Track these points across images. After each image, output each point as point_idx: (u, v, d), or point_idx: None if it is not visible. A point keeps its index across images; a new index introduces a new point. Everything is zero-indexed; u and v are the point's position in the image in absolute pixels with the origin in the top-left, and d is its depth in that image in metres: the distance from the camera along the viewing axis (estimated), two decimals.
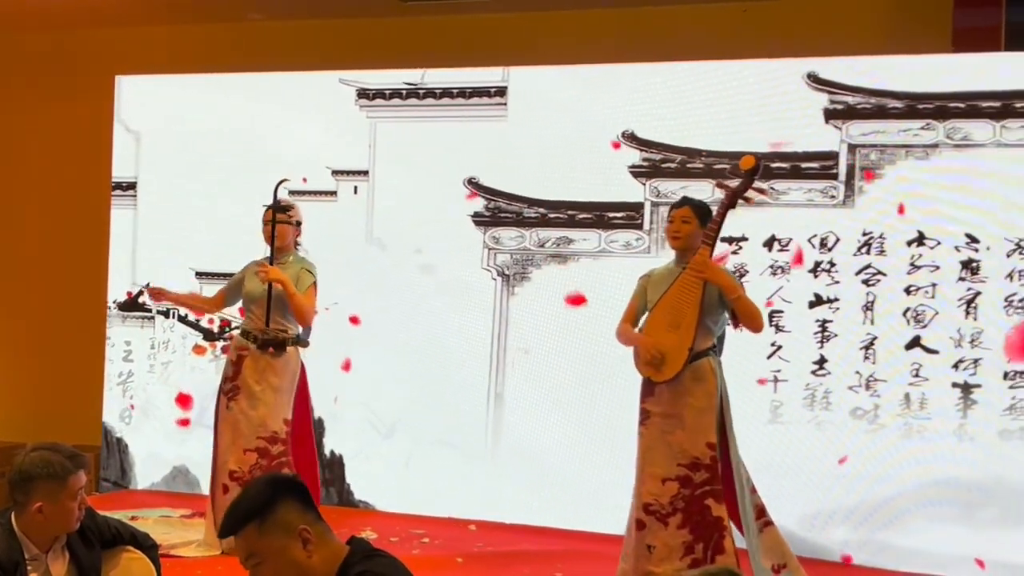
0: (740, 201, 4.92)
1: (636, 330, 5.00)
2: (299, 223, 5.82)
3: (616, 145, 6.40)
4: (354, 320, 6.92)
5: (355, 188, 7.10)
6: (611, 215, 6.46)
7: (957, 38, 6.17)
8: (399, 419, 6.89)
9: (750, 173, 4.86)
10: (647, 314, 4.97)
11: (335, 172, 7.10)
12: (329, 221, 6.93)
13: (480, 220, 6.72)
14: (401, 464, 6.85)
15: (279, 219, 5.67)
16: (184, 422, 7.30)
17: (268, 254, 5.70)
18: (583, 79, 6.63)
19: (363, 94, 7.07)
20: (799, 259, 6.00)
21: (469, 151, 6.81)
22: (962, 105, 5.82)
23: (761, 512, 4.91)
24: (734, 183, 4.93)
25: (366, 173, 7.06)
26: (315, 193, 7.08)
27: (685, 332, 4.77)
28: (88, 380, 7.68)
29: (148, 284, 6.37)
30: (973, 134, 5.81)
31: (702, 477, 4.77)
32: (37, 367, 8.30)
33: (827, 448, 5.97)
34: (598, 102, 6.54)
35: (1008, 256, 5.73)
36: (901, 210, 5.89)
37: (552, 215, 6.59)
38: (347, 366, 6.94)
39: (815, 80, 6.08)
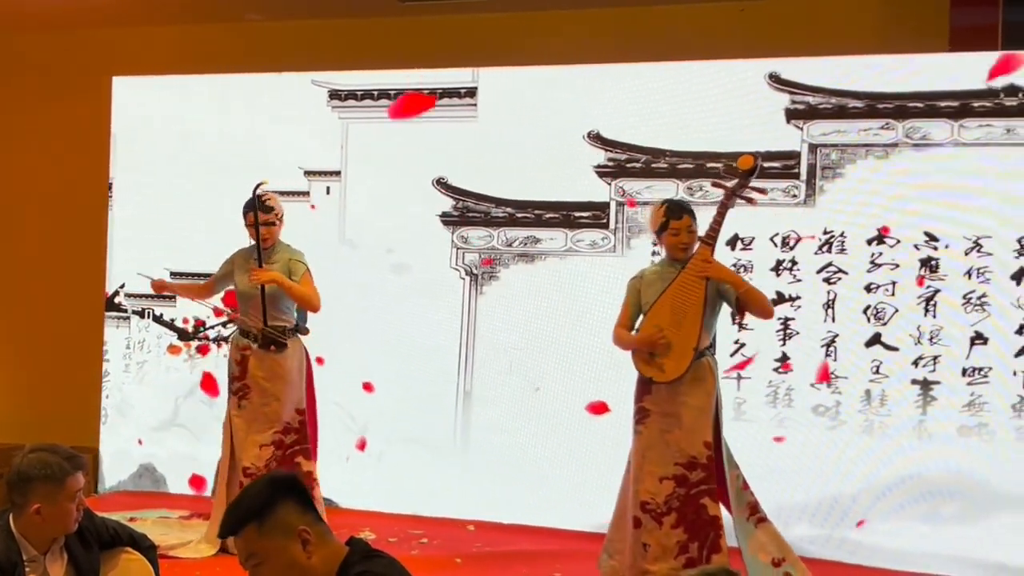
0: (741, 201, 4.93)
1: (632, 333, 4.99)
2: (281, 216, 5.83)
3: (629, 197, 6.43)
4: (368, 387, 6.91)
5: (327, 188, 7.16)
6: (577, 214, 6.52)
7: (954, 37, 6.19)
8: (371, 418, 6.94)
9: (748, 173, 4.87)
10: (643, 315, 4.96)
11: (308, 173, 7.15)
12: (302, 221, 7.00)
13: (448, 220, 6.78)
14: (372, 462, 6.90)
15: (264, 220, 5.69)
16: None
17: (253, 244, 5.73)
18: (552, 80, 6.68)
19: (335, 95, 7.13)
20: (825, 376, 6.01)
21: (439, 151, 6.86)
22: (921, 105, 5.88)
23: (754, 509, 4.92)
24: (731, 183, 4.93)
25: (338, 174, 7.11)
26: (288, 193, 7.13)
27: (689, 331, 4.78)
28: (85, 381, 7.69)
29: (152, 279, 6.46)
30: (932, 133, 5.87)
31: (698, 476, 4.78)
32: (35, 368, 8.31)
33: (790, 444, 6.03)
34: (566, 103, 6.59)
35: (966, 254, 5.79)
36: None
37: (519, 215, 6.65)
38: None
39: (776, 80, 6.14)
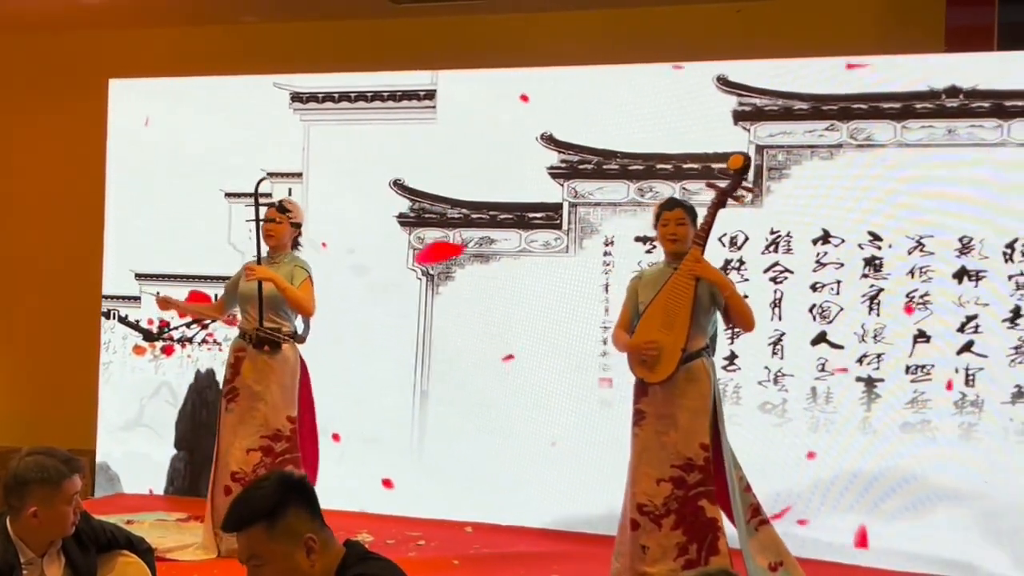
0: (730, 200, 4.94)
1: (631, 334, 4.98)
2: (297, 224, 5.80)
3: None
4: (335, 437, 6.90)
5: (289, 190, 7.23)
6: (531, 215, 6.61)
7: (950, 38, 6.22)
8: (331, 418, 7.00)
9: (740, 172, 4.87)
10: (639, 316, 4.96)
11: (270, 174, 7.22)
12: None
13: (405, 221, 6.86)
14: (333, 461, 6.96)
15: (277, 218, 5.69)
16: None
17: (265, 253, 5.73)
18: (508, 82, 6.77)
19: (296, 98, 7.21)
20: (864, 541, 5.94)
21: (399, 153, 6.95)
22: (864, 106, 5.98)
23: (756, 511, 4.92)
24: (723, 183, 4.93)
25: (300, 175, 7.19)
26: (244, 195, 7.24)
27: (678, 332, 4.77)
28: (83, 384, 7.67)
29: (158, 293, 6.45)
30: (875, 135, 5.97)
31: (696, 478, 4.78)
32: (32, 371, 8.32)
33: (736, 441, 6.07)
34: (521, 105, 6.68)
35: (909, 253, 5.89)
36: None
37: (474, 216, 6.73)
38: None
39: (724, 83, 6.23)
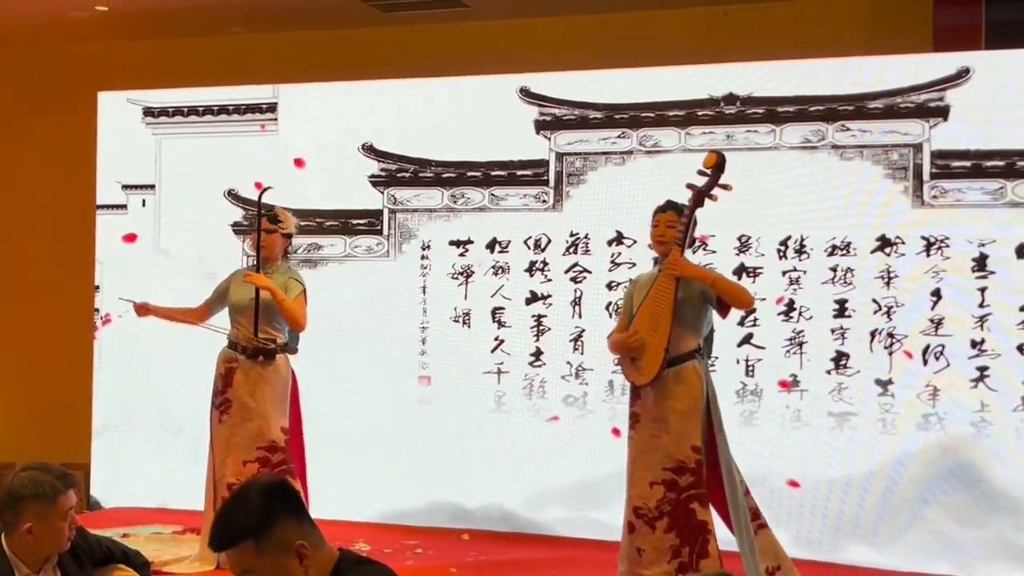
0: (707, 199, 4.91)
1: None
2: (289, 235, 5.77)
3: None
4: None
5: (143, 201, 7.54)
6: (354, 222, 6.94)
7: (938, 37, 6.35)
8: (187, 418, 7.29)
9: (715, 170, 4.87)
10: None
11: (125, 187, 7.53)
12: (121, 233, 7.45)
13: (239, 229, 7.18)
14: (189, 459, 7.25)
15: (265, 228, 5.63)
16: None
17: (254, 263, 5.71)
18: (341, 94, 7.11)
19: (149, 112, 7.52)
20: None
21: (243, 163, 7.25)
22: (652, 115, 6.32)
23: (756, 514, 4.96)
24: (700, 182, 4.92)
25: (153, 187, 7.50)
26: (107, 207, 7.55)
27: (661, 333, 4.80)
28: (76, 397, 7.72)
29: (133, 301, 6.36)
30: (662, 141, 6.32)
31: (687, 481, 4.81)
32: (25, 385, 8.42)
33: (543, 433, 6.46)
34: (349, 116, 7.01)
35: (694, 252, 6.14)
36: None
37: (303, 223, 7.04)
38: None
39: (527, 94, 6.58)
